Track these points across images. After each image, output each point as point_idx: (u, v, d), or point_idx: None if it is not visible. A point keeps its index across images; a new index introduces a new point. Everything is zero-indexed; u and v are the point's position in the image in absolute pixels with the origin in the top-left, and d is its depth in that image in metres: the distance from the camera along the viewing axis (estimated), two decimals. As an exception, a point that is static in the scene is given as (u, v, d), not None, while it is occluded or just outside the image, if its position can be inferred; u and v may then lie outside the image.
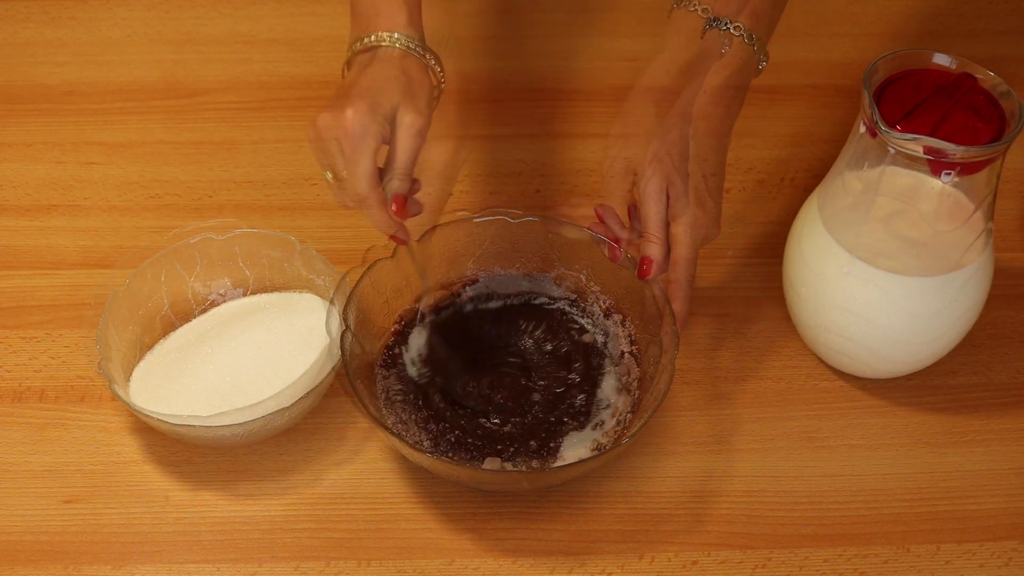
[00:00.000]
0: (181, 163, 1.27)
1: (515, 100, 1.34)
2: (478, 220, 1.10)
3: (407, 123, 0.97)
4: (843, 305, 1.03)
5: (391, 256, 1.05)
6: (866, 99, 0.96)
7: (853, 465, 1.05)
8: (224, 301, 1.11)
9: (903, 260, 1.01)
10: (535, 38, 1.41)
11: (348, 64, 1.02)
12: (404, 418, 1.04)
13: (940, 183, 0.98)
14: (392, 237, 1.02)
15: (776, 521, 1.02)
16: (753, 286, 1.17)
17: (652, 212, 1.03)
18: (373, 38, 1.00)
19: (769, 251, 1.19)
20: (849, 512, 1.02)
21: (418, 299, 1.08)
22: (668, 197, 1.03)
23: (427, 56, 1.01)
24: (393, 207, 0.97)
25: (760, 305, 1.15)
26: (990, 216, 1.00)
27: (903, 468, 1.05)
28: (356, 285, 1.04)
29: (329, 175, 0.97)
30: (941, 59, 1.00)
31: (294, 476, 1.04)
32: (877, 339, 1.04)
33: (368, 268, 1.04)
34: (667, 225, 1.03)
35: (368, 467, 1.04)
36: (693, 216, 1.03)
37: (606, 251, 1.07)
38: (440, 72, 1.02)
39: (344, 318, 1.01)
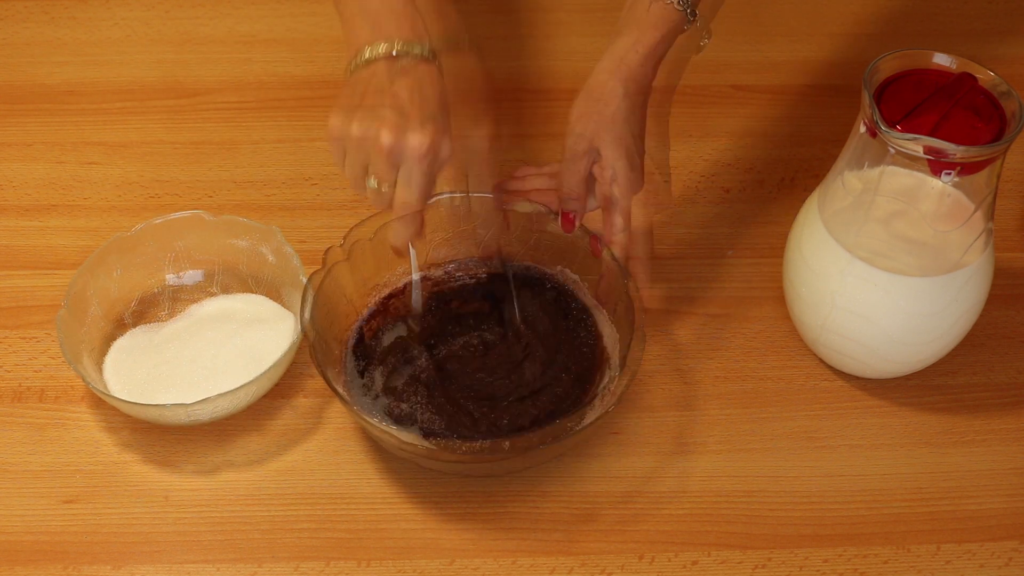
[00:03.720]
0: (181, 163, 1.27)
1: (515, 100, 1.34)
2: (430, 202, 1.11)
3: (445, 156, 0.99)
4: (843, 305, 1.03)
5: (346, 259, 1.08)
6: (866, 99, 0.96)
7: (853, 465, 1.05)
8: (193, 296, 1.13)
9: (903, 260, 1.01)
10: (535, 38, 1.41)
11: (367, 63, 1.00)
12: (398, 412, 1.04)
13: (940, 183, 0.98)
14: (396, 249, 1.05)
15: (776, 521, 1.02)
16: (753, 286, 1.17)
17: (578, 171, 1.06)
18: (403, 45, 0.99)
19: (769, 251, 1.19)
20: (849, 512, 1.02)
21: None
22: (597, 156, 1.06)
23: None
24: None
25: (760, 305, 1.15)
26: (990, 216, 1.00)
27: (903, 468, 1.05)
28: (316, 291, 1.05)
29: (373, 182, 0.99)
30: (941, 59, 1.00)
31: (293, 476, 1.04)
32: (877, 339, 1.04)
33: (326, 273, 1.06)
34: (588, 182, 1.07)
35: (368, 467, 1.04)
36: (626, 178, 1.05)
37: (561, 224, 1.09)
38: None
39: (311, 326, 1.03)
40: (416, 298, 1.10)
